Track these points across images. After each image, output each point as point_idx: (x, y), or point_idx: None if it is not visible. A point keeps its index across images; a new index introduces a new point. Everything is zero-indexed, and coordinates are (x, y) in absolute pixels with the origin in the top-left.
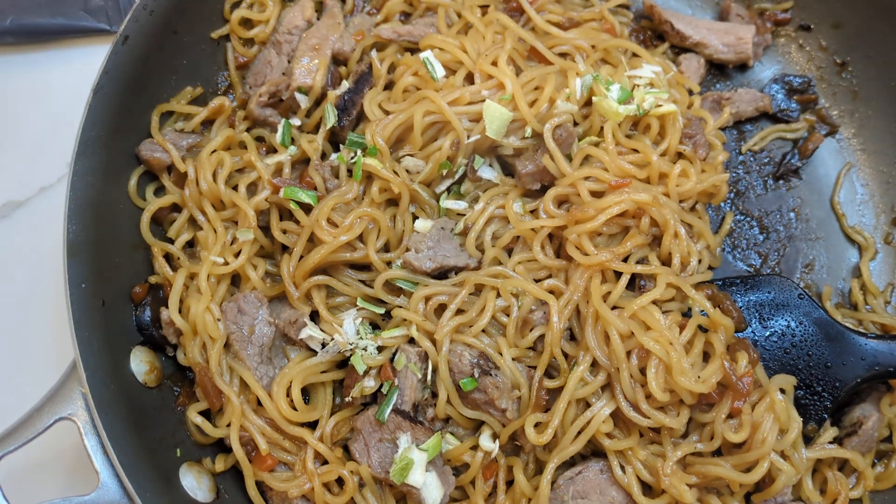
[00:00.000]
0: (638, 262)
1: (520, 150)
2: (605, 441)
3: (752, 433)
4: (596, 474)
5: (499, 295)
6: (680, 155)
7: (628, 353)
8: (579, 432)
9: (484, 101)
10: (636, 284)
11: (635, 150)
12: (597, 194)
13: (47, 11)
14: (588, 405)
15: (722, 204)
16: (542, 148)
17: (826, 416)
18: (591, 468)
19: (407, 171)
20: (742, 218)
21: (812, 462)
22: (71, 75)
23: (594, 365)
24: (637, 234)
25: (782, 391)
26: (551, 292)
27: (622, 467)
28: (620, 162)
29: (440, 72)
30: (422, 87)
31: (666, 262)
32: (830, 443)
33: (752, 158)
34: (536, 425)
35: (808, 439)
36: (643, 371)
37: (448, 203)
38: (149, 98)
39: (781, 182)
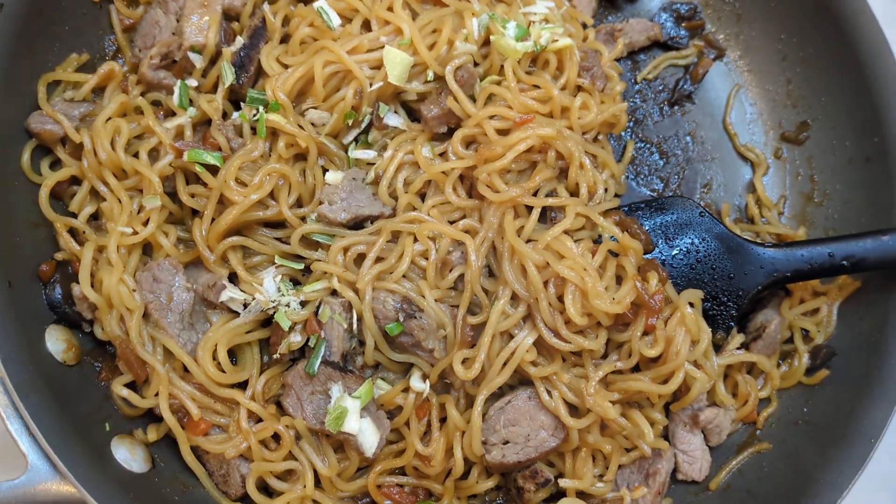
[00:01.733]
0: (548, 195)
1: (424, 94)
2: (531, 369)
3: (666, 347)
4: (524, 401)
5: (416, 240)
6: (579, 88)
7: (545, 283)
8: (505, 363)
9: (383, 47)
10: (548, 217)
11: (536, 87)
12: (503, 132)
13: None
14: (511, 337)
15: (623, 133)
16: (445, 91)
17: (732, 324)
18: (520, 396)
19: (312, 123)
20: (642, 145)
21: (723, 368)
22: None
23: (514, 298)
24: (545, 168)
25: (691, 305)
26: (467, 232)
27: (549, 392)
28: (523, 98)
29: (336, 21)
30: (319, 38)
31: (574, 192)
32: (738, 349)
33: (647, 87)
34: (464, 361)
35: (718, 347)
36: (561, 298)
37: (357, 153)
38: (33, 68)
39: (676, 108)
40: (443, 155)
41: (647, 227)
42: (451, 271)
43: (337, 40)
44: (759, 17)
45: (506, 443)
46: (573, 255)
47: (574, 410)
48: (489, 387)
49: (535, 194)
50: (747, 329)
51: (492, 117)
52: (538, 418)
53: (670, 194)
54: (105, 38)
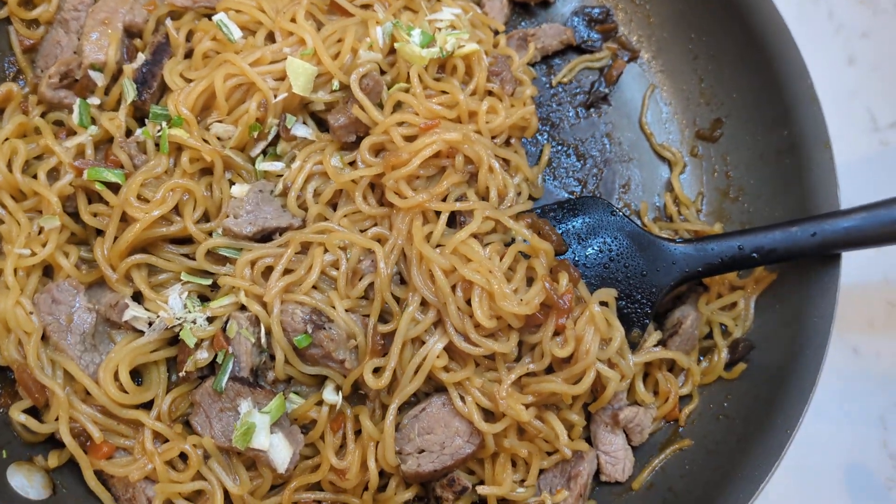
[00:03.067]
0: (457, 200)
1: (331, 104)
2: (443, 375)
3: (576, 346)
4: (438, 408)
5: (326, 250)
6: (490, 93)
7: (453, 288)
8: (416, 370)
9: (286, 58)
10: (457, 222)
11: (444, 92)
12: (410, 139)
13: None
14: (422, 343)
15: (539, 137)
16: (351, 100)
17: (648, 321)
18: (434, 403)
19: (218, 137)
20: (560, 148)
21: (641, 366)
22: None
23: (423, 304)
24: (453, 172)
25: (605, 304)
26: (377, 240)
27: (462, 398)
28: (429, 104)
29: (237, 33)
30: (221, 52)
31: (484, 196)
32: (655, 346)
33: (562, 90)
34: (375, 371)
35: (635, 345)
36: (469, 302)
37: (265, 165)
38: None
39: (593, 110)
40: (352, 164)
41: (559, 229)
42: (360, 280)
43: (239, 53)
44: (669, 19)
45: (421, 451)
46: (479, 258)
47: (489, 416)
48: (401, 395)
49: (444, 200)
50: (664, 326)
51: (400, 124)
52: (453, 425)
53: (588, 195)
54: (4, 60)
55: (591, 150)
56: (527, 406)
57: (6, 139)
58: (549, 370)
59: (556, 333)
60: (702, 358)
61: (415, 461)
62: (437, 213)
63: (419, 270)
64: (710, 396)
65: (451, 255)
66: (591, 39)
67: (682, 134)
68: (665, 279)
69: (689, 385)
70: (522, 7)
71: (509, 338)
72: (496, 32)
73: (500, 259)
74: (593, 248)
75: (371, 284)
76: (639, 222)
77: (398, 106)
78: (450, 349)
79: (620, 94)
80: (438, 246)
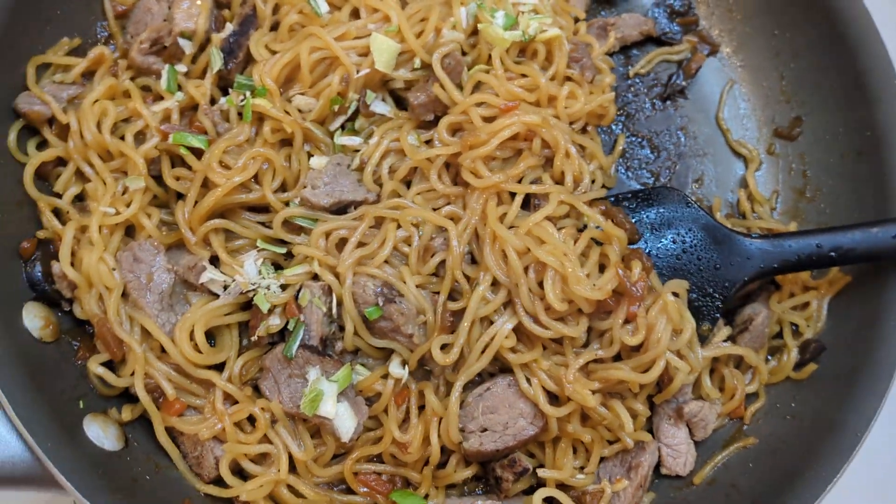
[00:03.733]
0: (532, 183)
1: (411, 82)
2: (510, 356)
3: (647, 335)
4: (504, 389)
5: (399, 226)
6: (569, 79)
7: (526, 269)
8: (484, 350)
9: (370, 34)
10: (531, 205)
11: (524, 76)
12: (489, 120)
13: None
14: (491, 322)
15: (614, 126)
16: (432, 78)
17: (718, 315)
18: (499, 383)
19: (299, 109)
20: (633, 139)
21: (709, 361)
22: None
23: (494, 283)
24: (529, 155)
25: (675, 294)
26: (450, 218)
27: (528, 379)
28: (510, 86)
29: (324, 7)
30: (307, 25)
31: (559, 181)
32: (724, 341)
33: (639, 81)
34: (443, 347)
35: (704, 339)
36: (541, 284)
37: (343, 139)
38: (22, 51)
39: (669, 102)
40: (429, 143)
41: (633, 218)
42: (432, 257)
43: (325, 27)
44: (752, 13)
45: (483, 430)
46: (554, 241)
47: (554, 399)
48: (468, 373)
49: (519, 182)
50: (734, 322)
51: (478, 105)
52: (517, 406)
53: (663, 186)
54: (97, 24)
55: (666, 142)
56: (593, 392)
57: (96, 100)
58: (617, 358)
59: (627, 321)
60: (770, 357)
61: (477, 439)
62: (512, 195)
63: (492, 250)
64: (777, 396)
65: (525, 236)
66: (671, 31)
67: (760, 131)
68: (739, 274)
69: (755, 383)
70: None
71: (579, 322)
72: (577, 20)
73: (574, 243)
74: (666, 239)
75: (442, 262)
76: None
77: (478, 87)
78: (518, 330)
79: (698, 88)
80: (512, 227)
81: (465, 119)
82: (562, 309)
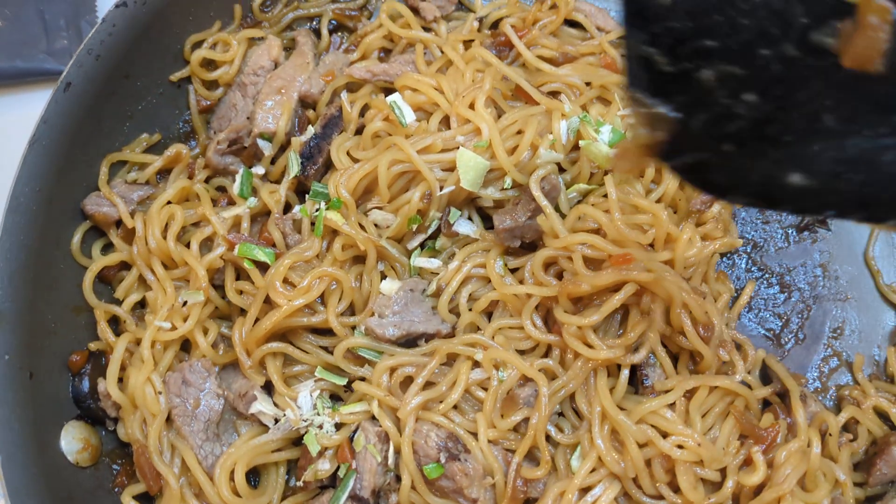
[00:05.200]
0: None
1: (500, 201)
2: None
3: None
4: None
5: (475, 366)
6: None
7: (647, 462)
8: None
9: (458, 147)
10: (638, 378)
11: (636, 207)
12: (592, 260)
13: (5, 54)
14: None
15: (738, 258)
16: (522, 201)
17: None
18: None
19: (376, 225)
20: (760, 274)
21: None
22: (27, 122)
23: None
24: (640, 321)
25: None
26: (541, 371)
27: None
28: (621, 227)
29: (410, 117)
30: (393, 133)
31: (678, 331)
32: None
33: None
34: None
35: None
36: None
37: (420, 261)
38: (98, 147)
39: (806, 234)
40: (514, 272)
41: None
42: (515, 413)
43: (410, 136)
44: None
45: None
46: (678, 431)
47: None
48: None
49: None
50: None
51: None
52: None
53: (790, 336)
54: (180, 119)
55: (799, 281)
56: None
57: (166, 203)
58: None
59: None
60: None
61: None
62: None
63: (601, 432)
64: None
65: (640, 426)
66: None
67: None
68: None
69: None
70: None
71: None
72: None
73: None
74: None
75: (524, 419)
76: (849, 377)
77: (580, 218)
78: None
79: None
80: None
81: (564, 255)
82: (696, 499)
